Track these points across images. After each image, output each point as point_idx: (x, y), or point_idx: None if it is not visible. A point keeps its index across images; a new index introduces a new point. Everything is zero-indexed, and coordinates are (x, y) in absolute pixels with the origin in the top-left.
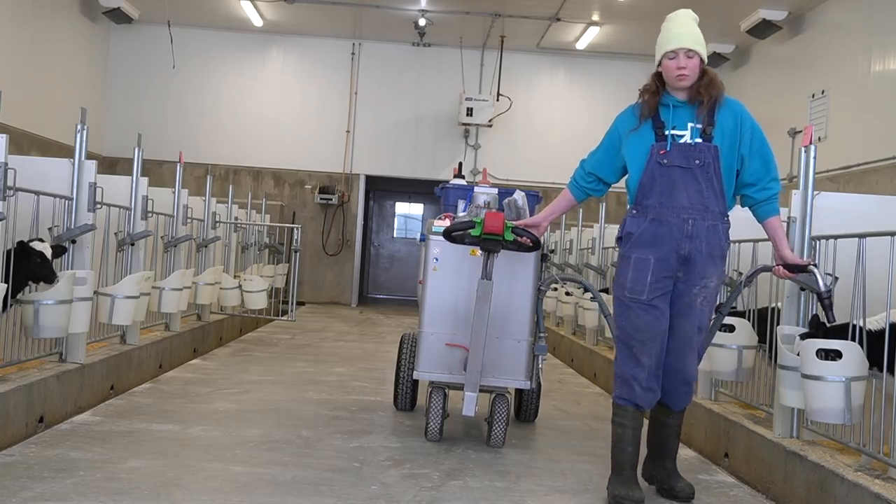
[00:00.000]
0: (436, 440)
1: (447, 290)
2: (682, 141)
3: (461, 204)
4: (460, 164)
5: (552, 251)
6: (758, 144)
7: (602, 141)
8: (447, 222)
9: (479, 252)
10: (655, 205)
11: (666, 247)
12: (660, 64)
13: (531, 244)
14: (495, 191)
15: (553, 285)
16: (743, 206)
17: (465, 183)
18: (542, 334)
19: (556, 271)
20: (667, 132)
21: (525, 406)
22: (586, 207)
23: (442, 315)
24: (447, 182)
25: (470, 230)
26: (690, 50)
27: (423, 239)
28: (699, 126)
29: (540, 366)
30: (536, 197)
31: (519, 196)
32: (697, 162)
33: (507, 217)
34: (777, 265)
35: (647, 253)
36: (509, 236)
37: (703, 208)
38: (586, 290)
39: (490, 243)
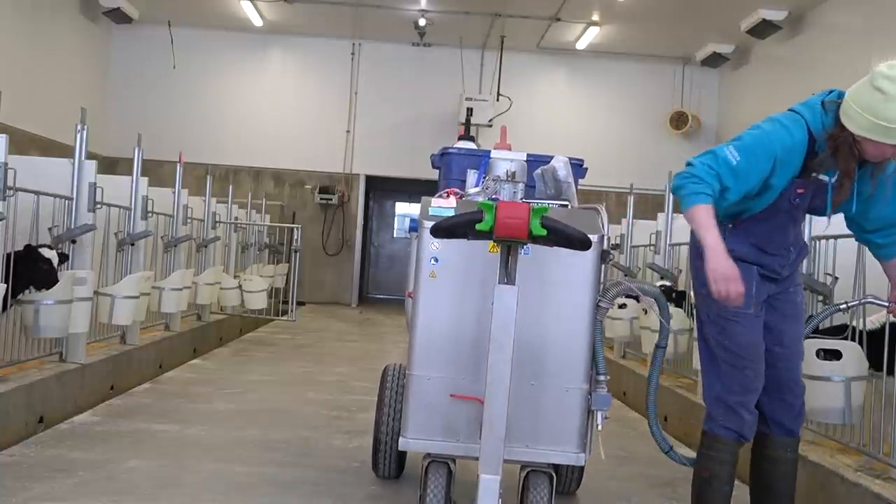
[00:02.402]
0: None
1: (452, 308)
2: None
3: (471, 176)
4: (468, 118)
5: (616, 246)
6: (894, 189)
7: (755, 166)
8: (452, 201)
9: (497, 246)
10: (763, 235)
11: (765, 269)
12: (855, 126)
13: (580, 243)
14: (523, 156)
15: (622, 300)
16: (859, 241)
17: (476, 147)
18: (601, 377)
19: (620, 276)
20: (815, 175)
21: (565, 473)
22: None
23: (443, 348)
24: (449, 147)
25: (475, 223)
26: None
27: (415, 228)
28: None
29: (599, 426)
30: (580, 166)
31: (560, 163)
32: (819, 202)
33: (539, 194)
34: None
35: (749, 263)
36: (538, 230)
37: (799, 233)
38: (658, 304)
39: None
